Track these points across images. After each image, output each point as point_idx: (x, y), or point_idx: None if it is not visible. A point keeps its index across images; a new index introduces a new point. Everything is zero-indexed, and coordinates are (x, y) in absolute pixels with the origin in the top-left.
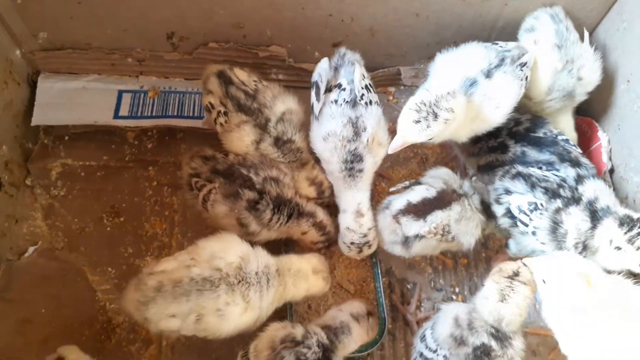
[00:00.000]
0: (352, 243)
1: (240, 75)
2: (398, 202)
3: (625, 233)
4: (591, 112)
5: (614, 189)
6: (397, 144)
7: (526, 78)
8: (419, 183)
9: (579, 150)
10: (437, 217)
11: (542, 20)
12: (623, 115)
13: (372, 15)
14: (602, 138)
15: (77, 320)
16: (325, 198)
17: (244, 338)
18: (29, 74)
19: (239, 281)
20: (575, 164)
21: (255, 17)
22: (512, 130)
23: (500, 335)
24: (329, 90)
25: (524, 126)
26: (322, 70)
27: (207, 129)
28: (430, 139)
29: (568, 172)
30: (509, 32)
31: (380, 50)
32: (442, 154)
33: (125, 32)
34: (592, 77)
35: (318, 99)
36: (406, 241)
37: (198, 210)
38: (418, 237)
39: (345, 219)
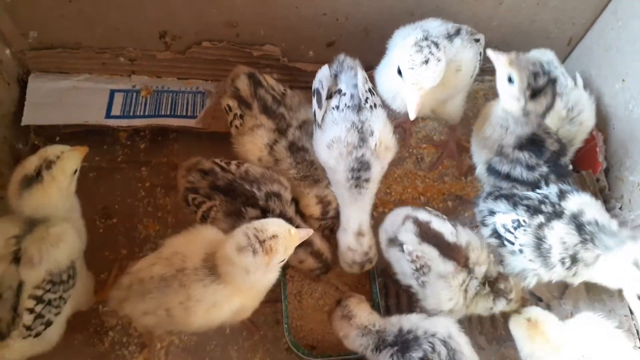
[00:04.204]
0: (354, 262)
1: (269, 80)
2: (421, 213)
3: None
4: None
5: (609, 189)
6: (415, 101)
7: (480, 54)
8: (454, 224)
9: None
10: (431, 253)
11: None
12: (618, 115)
13: (367, 14)
14: (597, 137)
15: (69, 323)
16: (329, 219)
17: (238, 341)
18: (19, 73)
19: (194, 276)
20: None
21: (248, 16)
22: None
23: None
24: (329, 96)
25: (554, 148)
26: (322, 77)
27: (201, 129)
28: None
29: (550, 189)
30: (503, 31)
31: (374, 49)
32: (437, 153)
33: (116, 31)
34: (590, 122)
35: (320, 106)
36: (391, 242)
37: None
38: (400, 246)
39: (347, 239)
